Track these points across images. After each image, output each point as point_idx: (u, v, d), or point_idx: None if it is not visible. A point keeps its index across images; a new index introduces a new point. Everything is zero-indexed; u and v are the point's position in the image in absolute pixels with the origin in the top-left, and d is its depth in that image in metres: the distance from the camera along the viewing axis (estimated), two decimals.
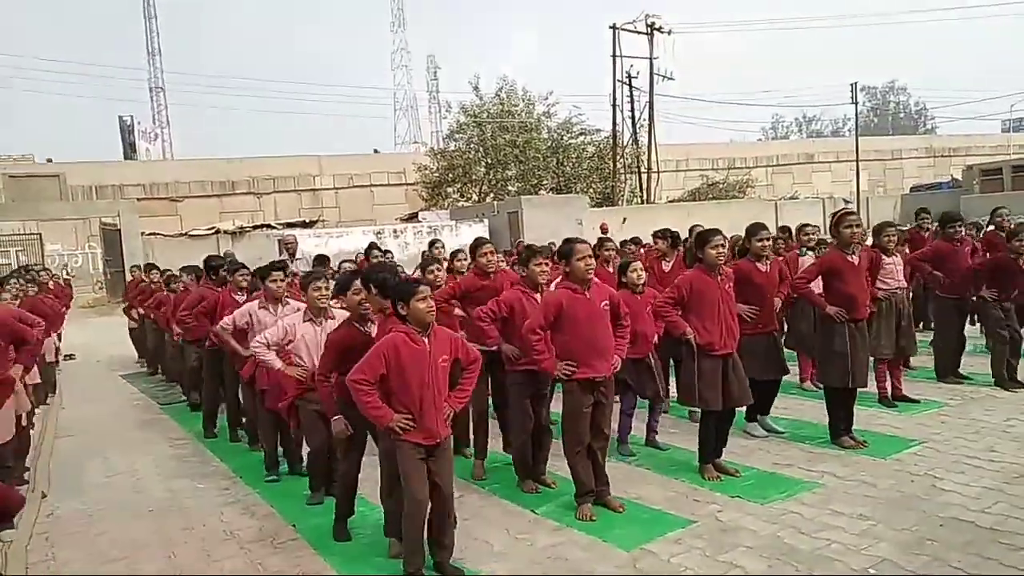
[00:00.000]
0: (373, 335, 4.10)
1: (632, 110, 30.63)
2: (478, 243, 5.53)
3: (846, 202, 25.40)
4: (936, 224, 8.10)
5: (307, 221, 27.76)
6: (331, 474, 4.77)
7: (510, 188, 29.33)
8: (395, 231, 23.32)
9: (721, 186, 33.65)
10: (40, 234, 27.60)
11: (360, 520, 4.42)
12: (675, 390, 5.42)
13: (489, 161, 29.66)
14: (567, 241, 4.52)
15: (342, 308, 4.48)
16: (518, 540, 4.09)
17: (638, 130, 30.73)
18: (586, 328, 4.30)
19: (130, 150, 46.43)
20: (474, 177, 30.19)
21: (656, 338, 5.52)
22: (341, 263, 8.27)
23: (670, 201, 32.56)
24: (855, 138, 37.16)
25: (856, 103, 35.55)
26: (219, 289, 6.95)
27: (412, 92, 64.42)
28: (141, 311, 10.82)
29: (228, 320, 5.48)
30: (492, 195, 29.27)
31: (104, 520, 4.84)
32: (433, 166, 30.76)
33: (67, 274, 20.54)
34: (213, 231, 24.58)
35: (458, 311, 5.36)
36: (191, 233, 24.76)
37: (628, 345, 4.64)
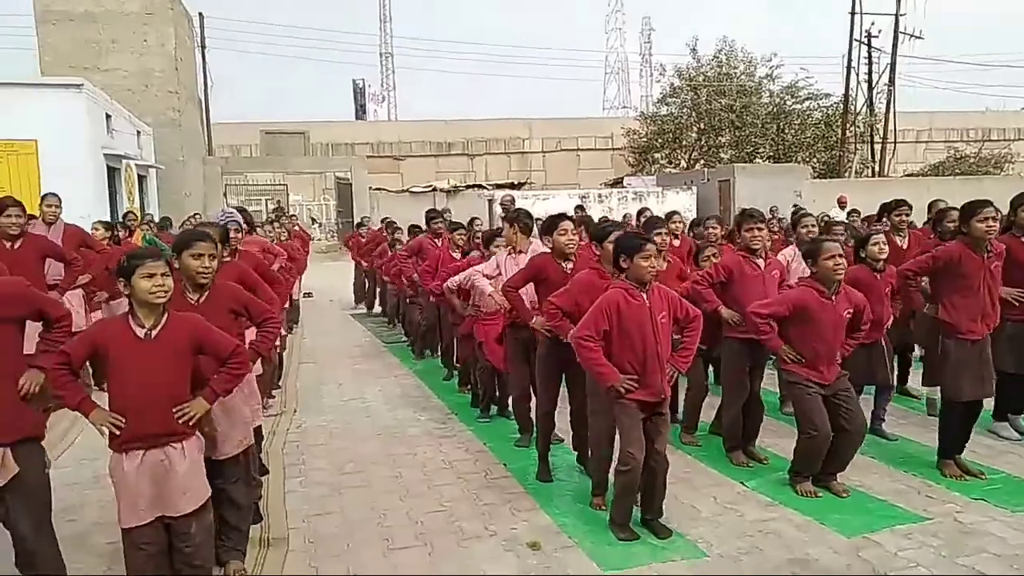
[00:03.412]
0: (569, 272, 4.34)
1: (869, 73, 27.80)
2: (696, 220, 5.55)
3: None
4: None
5: (515, 183, 28.61)
6: (533, 422, 5.03)
7: (722, 155, 28.05)
8: (600, 196, 23.31)
9: (972, 160, 29.60)
10: (287, 185, 31.10)
11: (563, 462, 4.59)
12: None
13: (702, 126, 28.53)
14: (814, 241, 4.31)
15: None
16: (727, 509, 4.00)
17: (875, 95, 27.86)
18: (825, 334, 4.07)
19: (360, 111, 50.62)
20: (684, 143, 29.25)
21: (891, 320, 5.07)
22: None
23: (907, 175, 29.31)
24: None
25: None
26: (436, 242, 7.53)
27: (624, 55, 63.36)
28: (364, 262, 11.98)
29: (453, 281, 5.84)
30: (702, 162, 28.22)
31: (341, 437, 5.44)
32: (642, 131, 30.19)
33: (312, 224, 22.85)
34: (430, 189, 26.22)
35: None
36: (411, 190, 26.61)
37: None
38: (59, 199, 6.15)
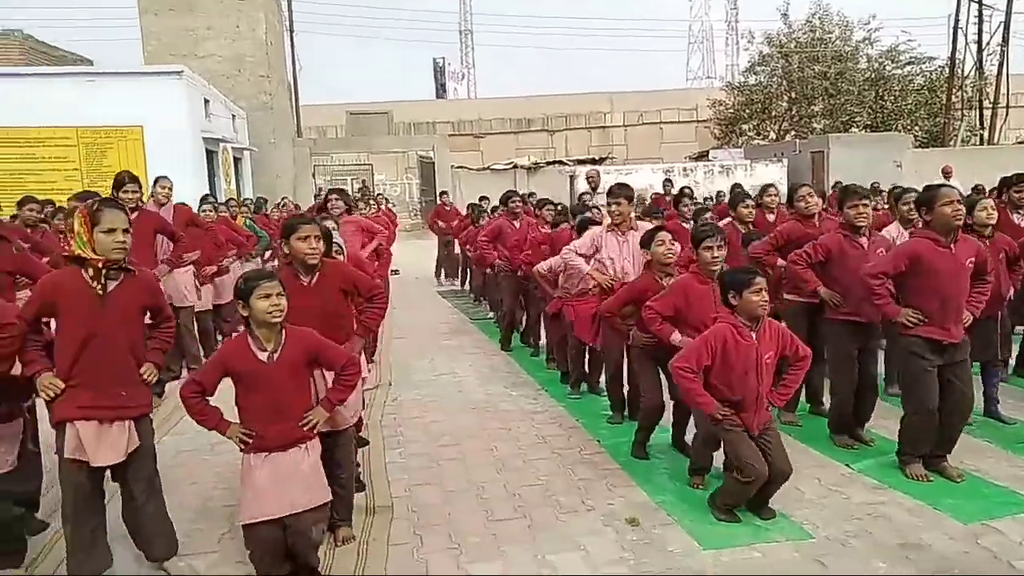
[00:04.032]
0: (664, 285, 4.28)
1: (980, 33, 25.89)
2: (795, 187, 5.33)
3: None
4: None
5: (597, 158, 28.28)
6: (625, 400, 5.06)
7: (815, 125, 26.87)
8: (685, 169, 22.76)
9: None
10: (372, 164, 31.77)
11: (658, 439, 4.58)
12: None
13: (793, 95, 27.37)
14: (928, 188, 4.04)
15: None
16: (831, 491, 3.89)
17: (985, 57, 25.96)
18: (947, 285, 3.83)
19: (440, 90, 51.04)
20: (774, 113, 28.15)
21: (1011, 292, 4.77)
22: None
23: (1019, 142, 27.28)
24: None
25: None
26: (515, 224, 7.62)
27: (709, 23, 61.22)
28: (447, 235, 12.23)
29: (544, 265, 5.83)
30: (793, 133, 27.10)
31: (435, 411, 5.57)
32: (728, 101, 29.22)
33: (391, 205, 23.30)
34: (511, 166, 26.24)
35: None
36: (492, 167, 26.70)
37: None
38: (171, 182, 6.48)
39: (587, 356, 5.80)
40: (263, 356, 2.95)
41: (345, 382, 3.12)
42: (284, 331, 3.00)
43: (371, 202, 13.09)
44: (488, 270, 8.51)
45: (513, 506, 3.85)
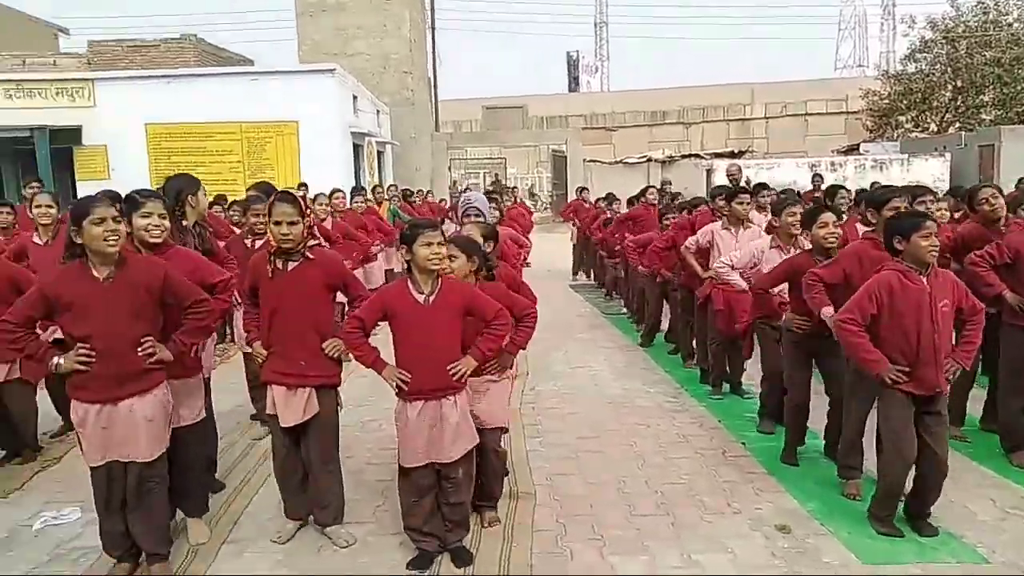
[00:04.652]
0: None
1: None
2: (975, 188, 4.90)
3: None
4: None
5: (735, 151, 27.27)
6: (778, 405, 4.80)
7: (983, 116, 24.52)
8: (832, 164, 21.48)
9: None
10: (505, 158, 32.32)
11: (808, 446, 4.39)
12: None
13: (959, 84, 25.09)
14: None
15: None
16: (1009, 515, 3.57)
17: None
18: None
19: (573, 84, 51.01)
20: (935, 103, 25.93)
21: None
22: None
23: None
24: None
25: None
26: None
27: (862, 9, 57.37)
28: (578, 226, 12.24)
29: (692, 240, 5.72)
30: (957, 124, 24.90)
31: (572, 403, 5.61)
32: (884, 91, 27.22)
33: (530, 198, 23.59)
34: (645, 159, 25.84)
35: None
36: (625, 160, 26.41)
37: None
38: (344, 192, 7.05)
39: (729, 354, 5.63)
40: (420, 298, 3.12)
41: (495, 332, 3.21)
42: (441, 279, 3.15)
43: (509, 196, 13.35)
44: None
45: (655, 503, 3.82)
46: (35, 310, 2.94)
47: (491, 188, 19.56)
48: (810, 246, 4.25)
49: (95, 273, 2.91)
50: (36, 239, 4.88)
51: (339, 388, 3.47)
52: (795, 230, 4.49)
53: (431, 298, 3.12)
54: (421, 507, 3.20)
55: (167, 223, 3.36)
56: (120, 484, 3.01)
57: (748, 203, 5.47)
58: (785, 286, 4.33)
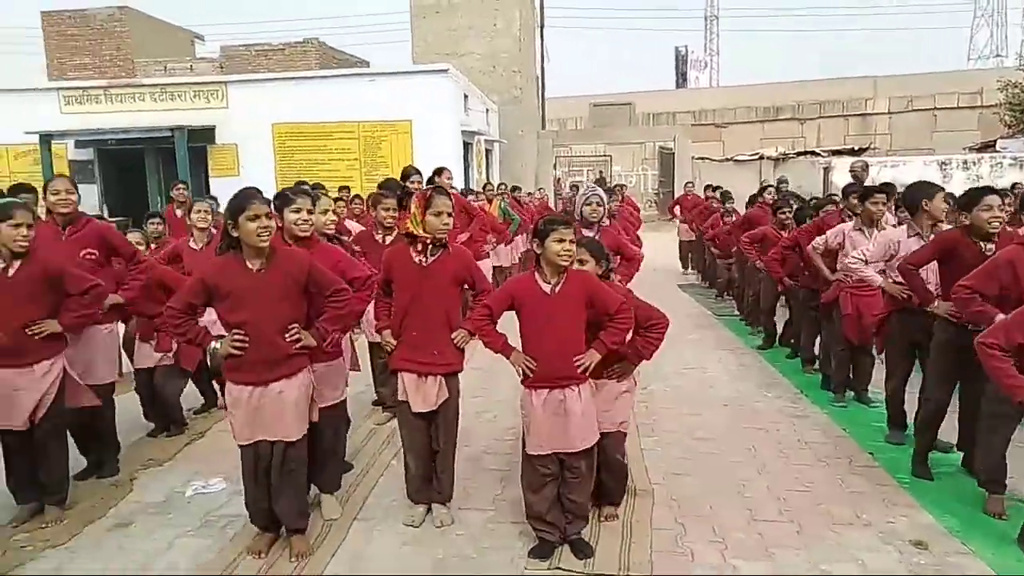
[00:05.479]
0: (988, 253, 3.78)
1: None
2: None
3: None
4: None
5: (855, 148, 25.86)
6: (904, 415, 4.59)
7: None
8: (965, 162, 20.02)
9: None
10: (610, 156, 32.08)
11: (943, 459, 4.20)
12: None
13: None
14: None
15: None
16: None
17: None
18: None
19: (681, 79, 49.89)
20: None
21: None
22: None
23: None
24: None
25: None
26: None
27: None
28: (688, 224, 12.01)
29: (820, 240, 5.52)
30: None
31: (686, 404, 5.53)
32: None
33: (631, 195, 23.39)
34: (757, 156, 24.96)
35: None
36: (736, 158, 25.61)
37: None
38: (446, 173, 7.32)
39: (853, 360, 5.40)
40: (547, 288, 3.20)
41: (618, 325, 3.24)
42: (567, 271, 3.22)
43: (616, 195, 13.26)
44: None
45: (778, 509, 3.72)
46: (196, 298, 3.20)
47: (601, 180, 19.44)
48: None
49: (249, 265, 3.15)
50: (192, 244, 5.12)
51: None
52: (940, 215, 4.30)
53: (556, 288, 3.20)
54: (544, 496, 3.27)
55: (314, 219, 3.59)
56: (266, 461, 3.24)
57: (884, 203, 5.21)
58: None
